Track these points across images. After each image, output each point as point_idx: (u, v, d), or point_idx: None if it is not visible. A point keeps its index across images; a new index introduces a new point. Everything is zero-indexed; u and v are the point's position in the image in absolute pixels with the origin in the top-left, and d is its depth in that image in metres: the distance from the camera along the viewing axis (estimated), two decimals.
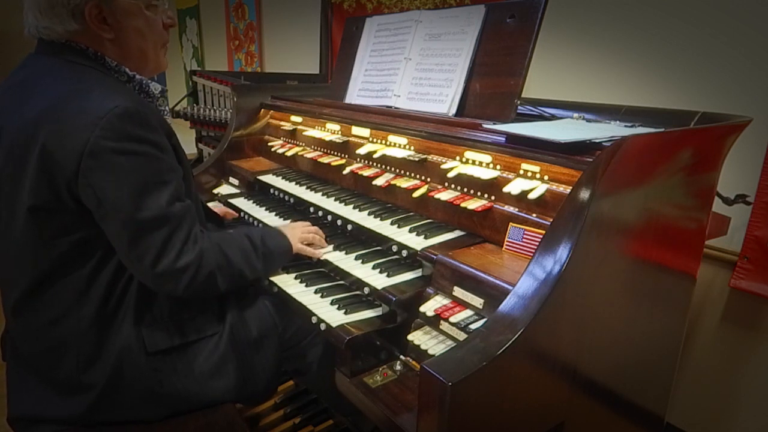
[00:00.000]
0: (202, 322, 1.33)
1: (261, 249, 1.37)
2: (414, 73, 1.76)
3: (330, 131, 1.98)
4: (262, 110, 2.36)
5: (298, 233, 1.50)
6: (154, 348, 1.24)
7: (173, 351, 1.27)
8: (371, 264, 1.41)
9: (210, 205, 2.05)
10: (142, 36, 1.24)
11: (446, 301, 1.24)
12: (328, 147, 1.96)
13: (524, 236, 1.27)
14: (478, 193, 1.42)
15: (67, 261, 1.17)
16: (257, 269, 1.36)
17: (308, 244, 1.51)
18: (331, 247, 1.54)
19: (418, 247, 1.35)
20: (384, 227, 1.49)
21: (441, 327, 1.22)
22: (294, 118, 2.19)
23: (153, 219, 1.12)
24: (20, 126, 1.11)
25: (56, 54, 1.18)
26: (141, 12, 1.22)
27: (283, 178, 2.01)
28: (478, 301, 1.18)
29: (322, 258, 1.50)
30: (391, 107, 1.80)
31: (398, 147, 1.69)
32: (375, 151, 1.72)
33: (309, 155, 1.99)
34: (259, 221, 1.79)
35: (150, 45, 1.26)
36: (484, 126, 1.41)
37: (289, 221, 1.74)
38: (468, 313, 1.19)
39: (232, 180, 2.24)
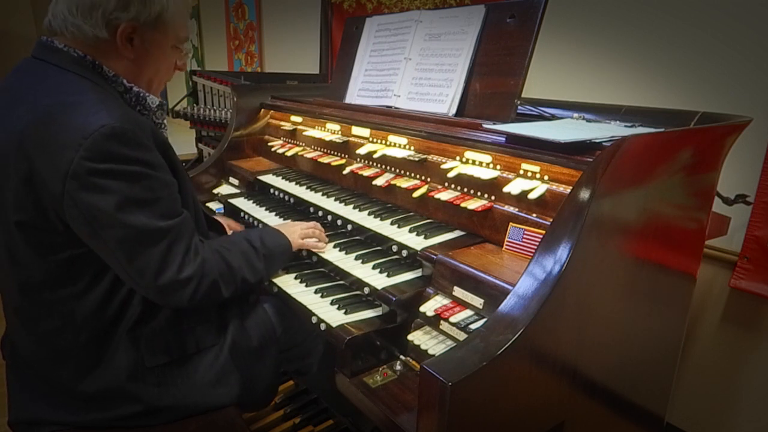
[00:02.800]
0: (202, 334, 1.31)
1: (261, 250, 1.36)
2: (414, 73, 1.76)
3: (330, 131, 1.98)
4: (262, 110, 2.36)
5: (298, 229, 1.50)
6: (153, 363, 1.23)
7: (173, 364, 1.26)
8: (371, 264, 1.41)
9: (211, 205, 2.06)
10: (156, 67, 1.26)
11: (446, 301, 1.24)
12: (328, 147, 1.96)
13: (524, 236, 1.27)
14: (478, 193, 1.42)
15: (57, 277, 1.15)
16: (259, 271, 1.35)
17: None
18: (331, 246, 1.54)
19: (418, 247, 1.35)
20: (384, 227, 1.49)
21: (441, 327, 1.22)
22: (294, 118, 2.19)
23: (148, 234, 1.09)
24: (6, 135, 1.08)
25: (51, 60, 1.15)
26: (166, 47, 1.25)
27: (283, 178, 2.01)
28: (478, 301, 1.18)
29: (322, 256, 1.50)
30: (391, 107, 1.80)
31: (398, 147, 1.69)
32: (375, 151, 1.72)
33: (309, 155, 1.99)
34: (260, 221, 1.79)
35: (157, 77, 1.28)
36: (484, 126, 1.41)
37: (288, 221, 1.74)
38: (468, 313, 1.19)
39: (232, 180, 2.24)
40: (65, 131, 1.03)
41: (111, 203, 1.05)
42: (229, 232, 1.70)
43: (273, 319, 1.46)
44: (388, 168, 1.72)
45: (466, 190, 1.46)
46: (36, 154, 1.04)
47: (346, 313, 1.30)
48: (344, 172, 1.82)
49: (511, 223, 1.30)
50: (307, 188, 1.88)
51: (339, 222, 1.63)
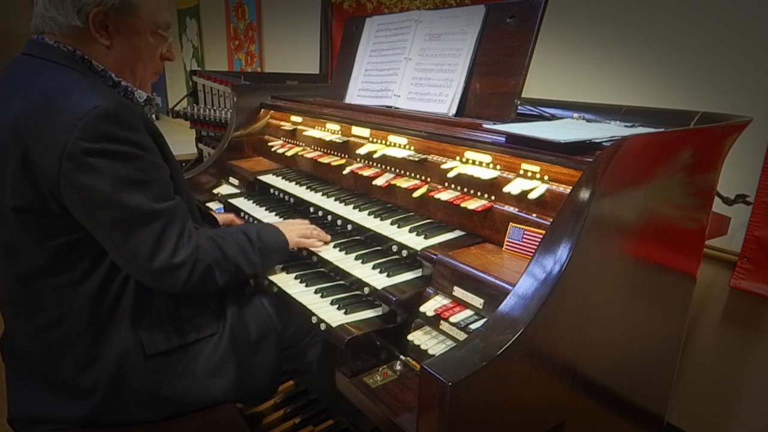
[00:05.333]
0: (201, 323, 1.32)
1: (257, 244, 1.37)
2: (414, 73, 1.76)
3: (330, 131, 1.98)
4: (262, 110, 2.36)
5: (297, 228, 1.50)
6: (153, 350, 1.24)
7: (172, 352, 1.27)
8: (371, 264, 1.41)
9: (212, 205, 2.07)
10: (138, 55, 1.27)
11: (446, 301, 1.24)
12: (328, 147, 1.96)
13: (524, 236, 1.27)
14: (478, 193, 1.42)
15: (55, 263, 1.16)
16: (255, 264, 1.36)
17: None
18: (331, 246, 1.54)
19: (418, 247, 1.35)
20: (384, 227, 1.49)
21: (441, 327, 1.22)
22: (294, 118, 2.19)
23: (142, 215, 1.11)
24: (2, 126, 1.11)
25: (42, 55, 1.18)
26: (145, 34, 1.26)
27: (283, 178, 2.01)
28: (478, 301, 1.18)
29: (322, 256, 1.50)
30: (391, 107, 1.80)
31: (398, 147, 1.69)
32: (375, 151, 1.72)
33: (309, 155, 1.99)
34: (259, 221, 1.79)
35: (141, 66, 1.29)
36: (484, 126, 1.41)
37: (289, 219, 1.74)
38: (468, 313, 1.19)
39: (232, 180, 2.24)
40: (59, 114, 1.06)
41: (106, 183, 1.07)
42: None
43: (272, 317, 1.46)
44: (388, 168, 1.72)
45: (466, 190, 1.46)
46: (31, 138, 1.07)
47: (346, 313, 1.30)
48: (344, 172, 1.82)
49: (511, 223, 1.30)
50: (307, 188, 1.88)
51: (339, 222, 1.63)
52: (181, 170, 1.36)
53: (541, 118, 1.64)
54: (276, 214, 1.82)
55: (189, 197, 1.37)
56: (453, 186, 1.50)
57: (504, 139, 1.35)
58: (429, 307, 1.23)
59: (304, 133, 2.08)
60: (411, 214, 1.57)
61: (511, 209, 1.33)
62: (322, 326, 1.27)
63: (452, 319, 1.18)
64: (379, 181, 1.67)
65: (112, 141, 1.08)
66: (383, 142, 1.75)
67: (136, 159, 1.12)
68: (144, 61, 1.29)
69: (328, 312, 1.31)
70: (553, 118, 1.62)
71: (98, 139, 1.06)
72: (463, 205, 1.40)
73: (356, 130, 1.85)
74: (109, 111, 1.07)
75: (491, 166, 1.41)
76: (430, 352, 1.18)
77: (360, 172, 1.74)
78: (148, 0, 1.24)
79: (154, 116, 1.34)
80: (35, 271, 1.16)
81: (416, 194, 1.54)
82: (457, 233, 1.42)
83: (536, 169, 1.29)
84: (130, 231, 1.11)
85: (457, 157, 1.50)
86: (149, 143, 1.16)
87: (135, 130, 1.12)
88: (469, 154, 1.46)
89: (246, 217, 1.88)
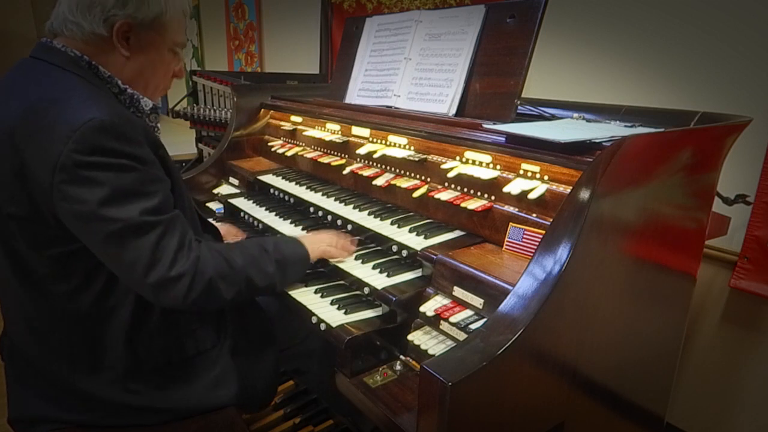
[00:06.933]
0: (201, 336, 1.30)
1: (274, 255, 1.30)
2: (414, 73, 1.76)
3: (330, 131, 1.98)
4: (262, 110, 2.36)
5: (324, 245, 1.44)
6: (152, 365, 1.22)
7: (172, 366, 1.25)
8: (371, 264, 1.41)
9: (211, 205, 2.06)
10: (153, 69, 1.27)
11: (446, 301, 1.24)
12: (328, 147, 1.96)
13: (524, 236, 1.27)
14: (478, 193, 1.42)
15: (51, 273, 1.14)
16: (269, 274, 1.28)
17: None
18: None
19: (418, 247, 1.35)
20: (384, 227, 1.49)
21: (441, 327, 1.22)
22: (294, 118, 2.19)
23: (136, 228, 1.07)
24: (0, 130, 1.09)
25: (48, 59, 1.16)
26: (163, 50, 1.26)
27: (283, 178, 2.01)
28: (478, 301, 1.18)
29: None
30: (391, 107, 1.80)
31: (398, 147, 1.69)
32: (375, 151, 1.72)
33: (309, 155, 1.99)
34: (259, 221, 1.79)
35: (154, 80, 1.29)
36: (484, 126, 1.41)
37: (288, 220, 1.74)
38: (468, 313, 1.19)
39: (232, 180, 2.24)
40: (55, 124, 1.04)
41: (98, 196, 1.04)
42: (230, 238, 1.69)
43: (272, 319, 1.46)
44: (388, 168, 1.72)
45: (466, 190, 1.46)
46: (26, 146, 1.05)
47: (346, 313, 1.30)
48: (344, 172, 1.82)
49: (511, 223, 1.30)
50: (307, 188, 1.87)
51: (339, 222, 1.62)
52: (183, 182, 1.33)
53: (541, 118, 1.64)
54: (276, 215, 1.82)
55: (191, 209, 1.34)
56: (453, 186, 1.50)
57: (504, 139, 1.35)
58: (429, 307, 1.23)
59: (304, 133, 2.08)
60: (411, 214, 1.57)
61: (511, 209, 1.33)
62: (322, 326, 1.27)
63: (452, 319, 1.18)
64: (379, 181, 1.67)
65: (106, 154, 1.05)
66: (383, 142, 1.75)
67: (131, 171, 1.08)
68: (158, 76, 1.29)
69: (328, 312, 1.31)
70: (553, 118, 1.62)
71: (92, 152, 1.04)
72: (463, 205, 1.40)
73: (356, 130, 1.85)
74: (105, 123, 1.05)
75: (491, 166, 1.41)
76: (430, 352, 1.18)
77: (360, 172, 1.74)
78: (173, 19, 1.24)
79: (158, 125, 1.33)
80: (33, 277, 1.15)
81: (416, 194, 1.54)
82: (457, 233, 1.42)
83: (536, 169, 1.29)
84: (124, 244, 1.08)
85: (457, 157, 1.50)
86: (148, 156, 1.13)
87: (132, 143, 1.09)
88: (469, 154, 1.46)
89: (246, 217, 1.88)
